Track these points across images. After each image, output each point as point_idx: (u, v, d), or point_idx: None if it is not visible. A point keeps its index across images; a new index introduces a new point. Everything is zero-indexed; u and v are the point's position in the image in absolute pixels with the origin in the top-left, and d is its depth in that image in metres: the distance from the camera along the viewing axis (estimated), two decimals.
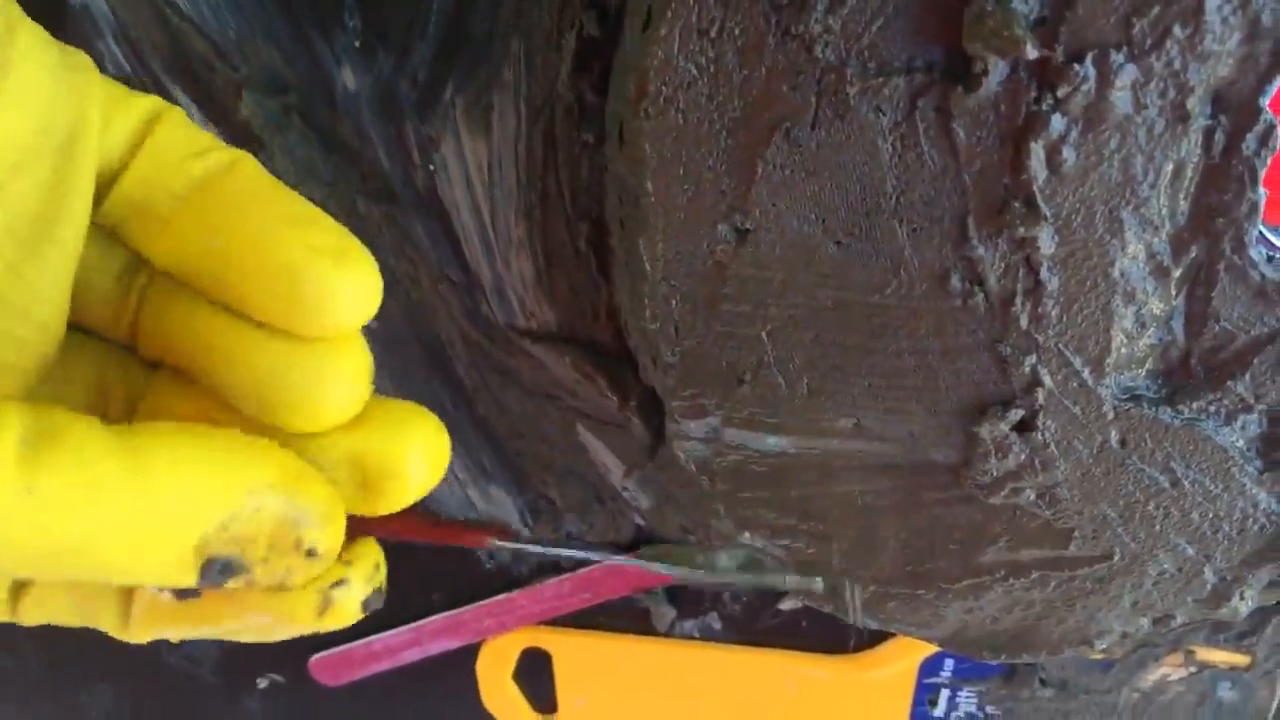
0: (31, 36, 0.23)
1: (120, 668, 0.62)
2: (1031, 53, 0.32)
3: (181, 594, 0.27)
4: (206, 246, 0.25)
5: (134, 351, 0.28)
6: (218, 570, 0.24)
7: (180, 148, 0.26)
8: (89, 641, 0.61)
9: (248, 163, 0.26)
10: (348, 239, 0.26)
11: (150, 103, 0.26)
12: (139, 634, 0.28)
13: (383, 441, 0.27)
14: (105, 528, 0.22)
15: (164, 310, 0.27)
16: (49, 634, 0.61)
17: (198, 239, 0.25)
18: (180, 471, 0.23)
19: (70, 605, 0.28)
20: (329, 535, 0.25)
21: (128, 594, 0.28)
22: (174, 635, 0.28)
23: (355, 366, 0.26)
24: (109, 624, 0.28)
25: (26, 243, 0.23)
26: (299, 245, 0.25)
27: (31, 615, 0.28)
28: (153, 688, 0.63)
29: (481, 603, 0.58)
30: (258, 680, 0.62)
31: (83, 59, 0.25)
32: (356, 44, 0.43)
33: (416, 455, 0.27)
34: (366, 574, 0.28)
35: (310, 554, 0.25)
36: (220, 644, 0.61)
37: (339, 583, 0.27)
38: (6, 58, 0.22)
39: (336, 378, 0.25)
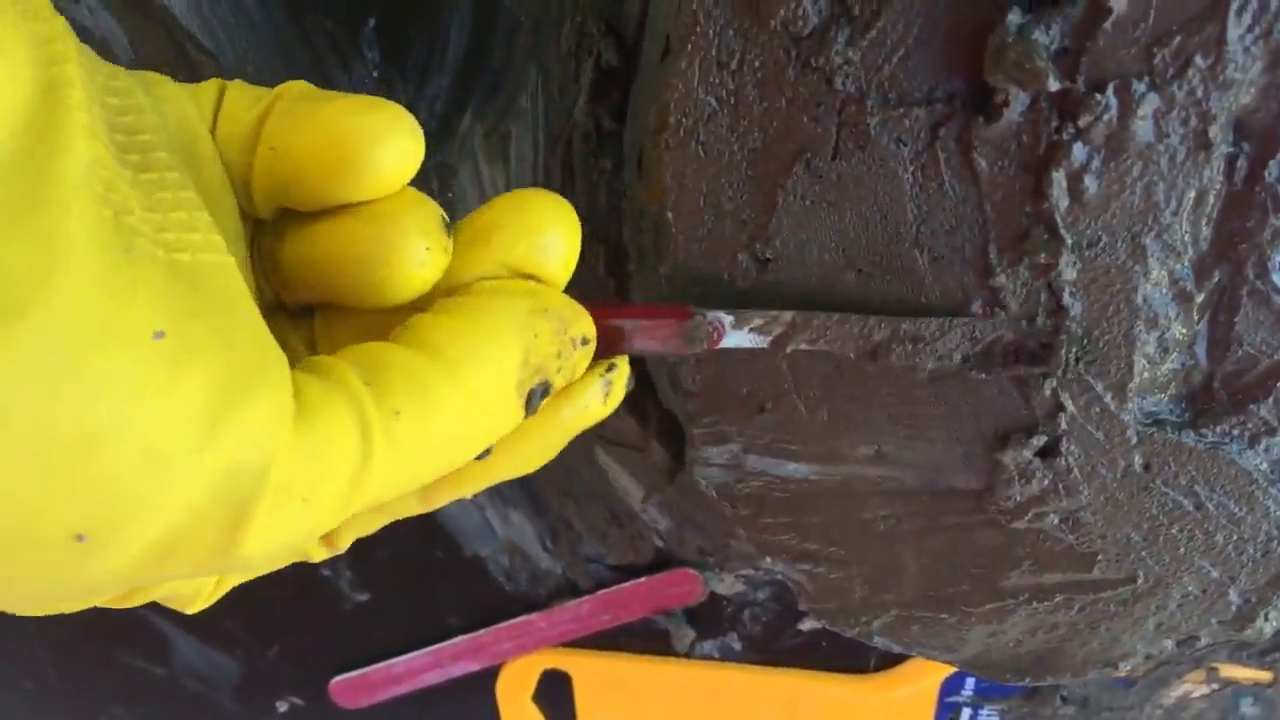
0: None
1: (139, 691, 0.62)
2: (1054, 85, 0.32)
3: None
4: (270, 163, 0.27)
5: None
6: (539, 396, 0.28)
7: (241, 104, 0.28)
8: (108, 666, 0.61)
9: (293, 85, 0.28)
10: (379, 100, 0.27)
11: (213, 85, 0.28)
12: (442, 500, 0.31)
13: (519, 232, 0.29)
14: (455, 429, 0.25)
15: (276, 249, 0.29)
16: (69, 658, 0.61)
17: (266, 161, 0.27)
18: (473, 348, 0.26)
19: (380, 514, 0.31)
20: (584, 318, 0.29)
21: None
22: (472, 489, 0.31)
23: (419, 218, 0.27)
24: (412, 508, 0.31)
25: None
26: (335, 115, 0.26)
27: (347, 541, 0.31)
28: (172, 712, 0.63)
29: (501, 625, 0.58)
30: (277, 704, 0.62)
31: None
32: (375, 75, 0.43)
33: (552, 231, 0.30)
34: (621, 361, 0.32)
35: (584, 342, 0.29)
36: (240, 667, 0.61)
37: (609, 368, 0.31)
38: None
39: (406, 230, 0.27)
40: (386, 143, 0.26)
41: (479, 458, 0.28)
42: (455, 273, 0.28)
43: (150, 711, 0.63)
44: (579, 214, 0.44)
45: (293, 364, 0.24)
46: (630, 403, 0.48)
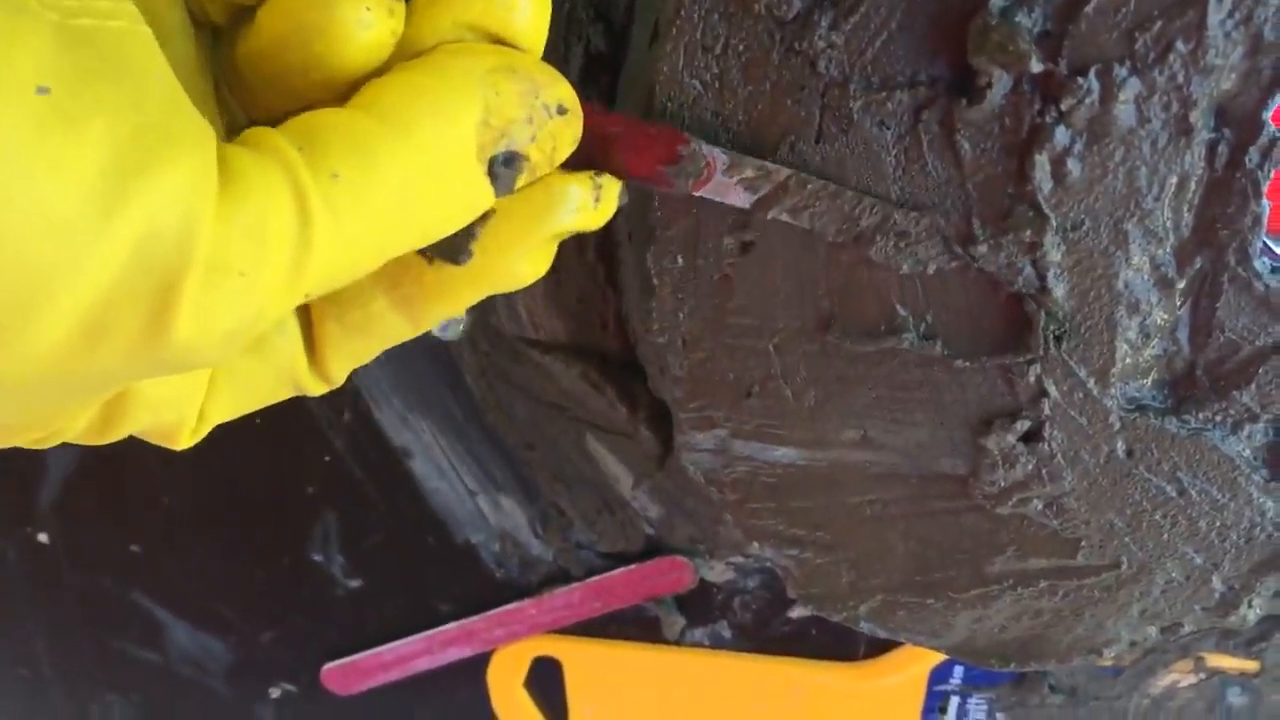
0: None
1: (131, 677, 0.63)
2: (1036, 67, 0.32)
3: (452, 250, 0.27)
4: None
5: None
6: (502, 163, 0.25)
7: None
8: (102, 652, 0.61)
9: None
10: None
11: None
12: (431, 317, 0.29)
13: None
14: (405, 194, 0.23)
15: (235, 59, 0.27)
16: (61, 643, 0.62)
17: None
18: (423, 105, 0.24)
19: (367, 337, 0.29)
20: (562, 86, 0.27)
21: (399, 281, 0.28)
22: (459, 301, 0.29)
23: None
24: (400, 329, 0.29)
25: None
26: None
27: (339, 370, 0.29)
28: (164, 698, 0.63)
29: (492, 612, 0.58)
30: (270, 690, 0.62)
31: None
32: None
33: None
34: (608, 177, 0.29)
35: (561, 110, 0.26)
36: (233, 653, 0.61)
37: (599, 172, 0.29)
38: None
39: None
40: None
41: (459, 261, 0.27)
42: (410, 40, 0.26)
43: (144, 698, 0.64)
44: None
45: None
46: (619, 389, 0.49)
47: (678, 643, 0.59)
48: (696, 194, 0.32)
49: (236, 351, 0.23)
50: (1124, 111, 0.33)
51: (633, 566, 0.56)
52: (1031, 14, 0.32)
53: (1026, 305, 0.37)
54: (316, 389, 0.29)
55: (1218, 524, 0.41)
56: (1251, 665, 0.54)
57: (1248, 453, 0.39)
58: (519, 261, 0.28)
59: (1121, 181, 0.34)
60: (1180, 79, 0.32)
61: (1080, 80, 0.32)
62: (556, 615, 0.58)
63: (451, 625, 0.59)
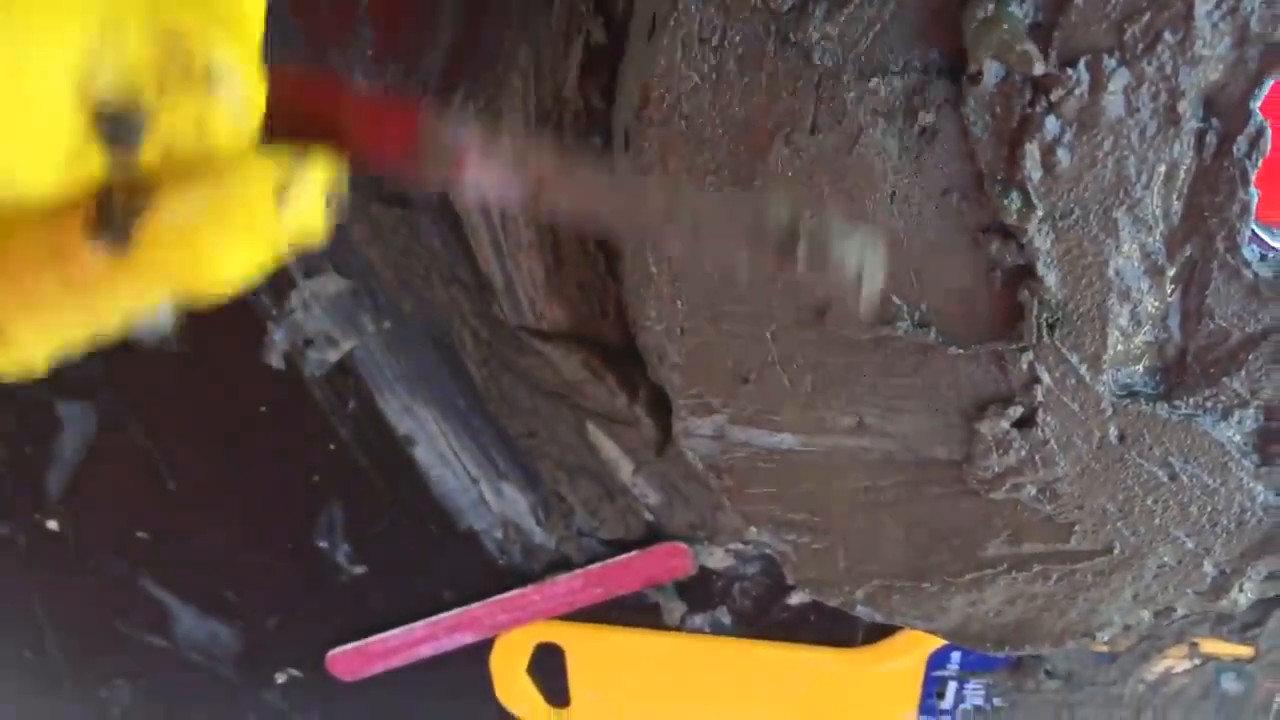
0: None
1: (140, 663, 0.63)
2: (1039, 69, 0.33)
3: (110, 231, 0.22)
4: None
5: None
6: (112, 123, 0.21)
7: None
8: (109, 638, 0.62)
9: None
10: None
11: None
12: (108, 311, 0.24)
13: None
14: None
15: None
16: (69, 629, 0.62)
17: None
18: (9, 26, 0.19)
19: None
20: (223, 45, 0.22)
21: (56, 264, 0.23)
22: (127, 294, 0.23)
23: None
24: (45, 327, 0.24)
25: None
26: None
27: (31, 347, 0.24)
28: (172, 683, 0.64)
29: (495, 598, 0.59)
30: (276, 675, 0.63)
31: None
32: (369, 53, 0.44)
33: None
34: (320, 164, 0.23)
35: (213, 76, 0.22)
36: (239, 639, 0.62)
37: (296, 169, 0.23)
38: None
39: None
40: None
41: (114, 244, 0.22)
42: None
43: (151, 683, 0.64)
44: None
45: None
46: (620, 377, 0.49)
47: (678, 629, 0.59)
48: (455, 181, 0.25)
49: None
50: (1113, 101, 0.34)
51: (633, 553, 0.57)
52: (1024, 4, 0.33)
53: (1019, 293, 0.37)
54: (5, 364, 0.24)
55: (1209, 509, 0.41)
56: (1245, 651, 0.55)
57: (1238, 438, 0.40)
58: (191, 256, 0.23)
59: (1110, 170, 0.35)
60: (1168, 69, 0.33)
61: (1070, 71, 0.33)
62: (558, 602, 0.59)
63: (455, 611, 0.59)
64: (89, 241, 0.22)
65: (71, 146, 0.21)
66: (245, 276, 0.23)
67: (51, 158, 0.21)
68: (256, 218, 0.23)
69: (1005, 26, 0.33)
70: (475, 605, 0.59)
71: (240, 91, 0.22)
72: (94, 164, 0.21)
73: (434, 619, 0.60)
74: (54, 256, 0.23)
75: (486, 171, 0.25)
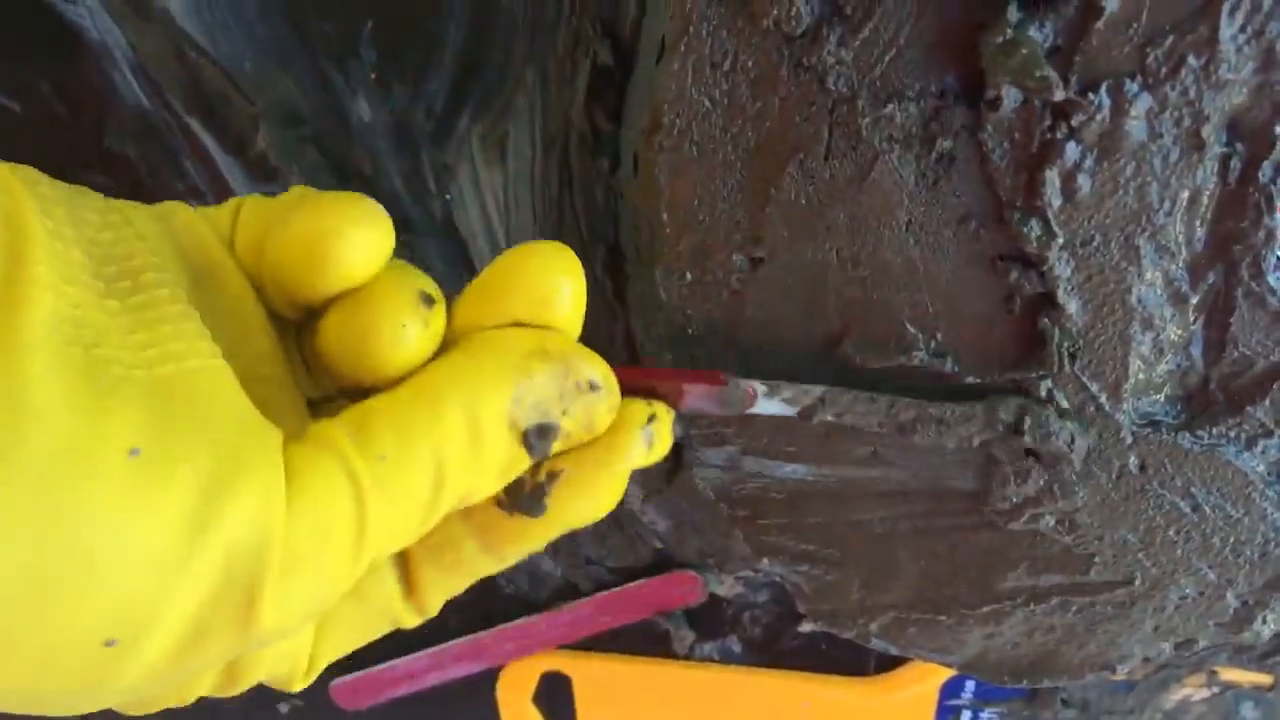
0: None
1: None
2: (1059, 95, 0.32)
3: (527, 505, 0.30)
4: (267, 269, 0.29)
5: None
6: (535, 435, 0.28)
7: (255, 215, 0.30)
8: None
9: (293, 191, 0.30)
10: (345, 195, 0.28)
11: (230, 205, 0.30)
12: (511, 556, 0.31)
13: (521, 286, 0.30)
14: (441, 464, 0.27)
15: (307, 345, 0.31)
16: None
17: (266, 268, 0.29)
18: (456, 385, 0.27)
19: (458, 575, 0.32)
20: (594, 363, 0.30)
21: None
22: (535, 542, 0.31)
23: (394, 299, 0.28)
24: (486, 565, 0.32)
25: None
26: (303, 218, 0.28)
27: (435, 602, 0.32)
28: (174, 712, 0.63)
29: (501, 626, 0.58)
30: (280, 705, 0.62)
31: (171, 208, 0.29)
32: (372, 76, 0.43)
33: (554, 282, 0.30)
34: (662, 411, 0.32)
35: (593, 386, 0.29)
36: None
37: (650, 419, 0.31)
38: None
39: (380, 312, 0.28)
40: (348, 237, 0.27)
41: (535, 514, 0.30)
42: (458, 330, 0.29)
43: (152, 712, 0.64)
44: (575, 215, 0.44)
45: None
46: None
47: (687, 657, 0.58)
48: (748, 411, 0.36)
49: (312, 617, 0.27)
50: (1135, 127, 0.33)
51: (642, 581, 0.56)
52: (1043, 28, 0.32)
53: (1039, 321, 0.36)
54: (414, 622, 0.33)
55: (1231, 540, 0.40)
56: (1265, 679, 0.54)
57: (1262, 468, 0.39)
58: (593, 505, 0.31)
59: (1132, 197, 0.34)
60: (1192, 94, 0.32)
61: (1091, 96, 0.32)
62: (565, 630, 0.58)
63: (460, 640, 0.58)
64: (510, 515, 0.30)
65: (509, 462, 0.28)
66: (615, 504, 0.31)
67: (496, 474, 0.28)
68: (633, 458, 0.31)
69: (1024, 51, 0.32)
70: (481, 634, 0.58)
71: (614, 392, 0.30)
72: (518, 471, 0.29)
73: (439, 648, 0.59)
74: (477, 530, 0.31)
75: (769, 403, 0.36)
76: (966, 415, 0.37)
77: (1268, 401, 0.37)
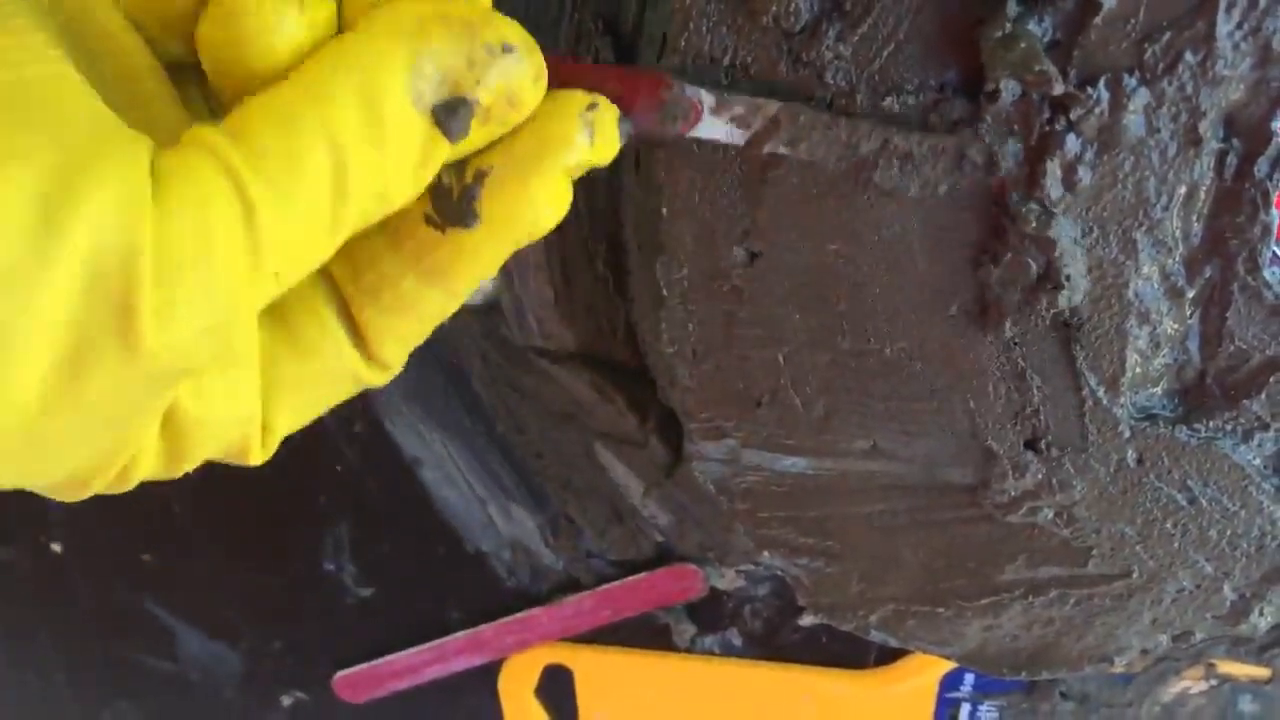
0: None
1: (143, 685, 0.63)
2: (1059, 89, 0.32)
3: (457, 214, 0.27)
4: None
5: None
6: (445, 111, 0.25)
7: None
8: (112, 659, 0.61)
9: None
10: None
11: None
12: (460, 283, 0.28)
13: None
14: (338, 154, 0.24)
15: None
16: (74, 651, 0.62)
17: None
18: (343, 64, 0.24)
19: (408, 316, 0.29)
20: (506, 24, 0.26)
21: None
22: (484, 263, 0.28)
23: None
24: (437, 302, 0.29)
25: None
26: None
27: (393, 354, 0.29)
28: (176, 706, 0.63)
29: (503, 620, 0.58)
30: (282, 698, 0.62)
31: None
32: None
33: None
34: (604, 103, 0.28)
35: (507, 49, 0.26)
36: (244, 661, 0.61)
37: (589, 107, 0.28)
38: None
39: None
40: None
41: (468, 224, 0.27)
42: (349, 21, 0.26)
43: (155, 705, 0.64)
44: (577, 209, 0.45)
45: None
46: (629, 398, 0.49)
47: (688, 650, 0.59)
48: (688, 135, 0.32)
49: (231, 346, 0.24)
50: (1133, 121, 0.33)
51: (643, 575, 0.56)
52: (1042, 23, 0.32)
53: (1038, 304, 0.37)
54: (377, 378, 0.30)
55: (1228, 532, 0.41)
56: (1263, 672, 0.54)
57: (1258, 461, 0.39)
58: (531, 209, 0.28)
59: (1130, 191, 0.34)
60: (1189, 89, 0.32)
61: (1090, 90, 0.32)
62: (567, 623, 0.58)
63: (462, 633, 0.59)
64: (443, 230, 0.27)
65: (422, 149, 0.25)
66: (561, 214, 0.28)
67: (410, 165, 0.25)
68: (571, 150, 0.27)
69: (1023, 45, 0.32)
70: (483, 627, 0.59)
71: (534, 55, 0.26)
72: (437, 161, 0.25)
73: (441, 641, 0.59)
74: (411, 258, 0.28)
75: (717, 124, 0.32)
76: (935, 151, 0.34)
77: (1264, 395, 0.38)
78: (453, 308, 0.29)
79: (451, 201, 0.27)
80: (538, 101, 0.27)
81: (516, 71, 0.26)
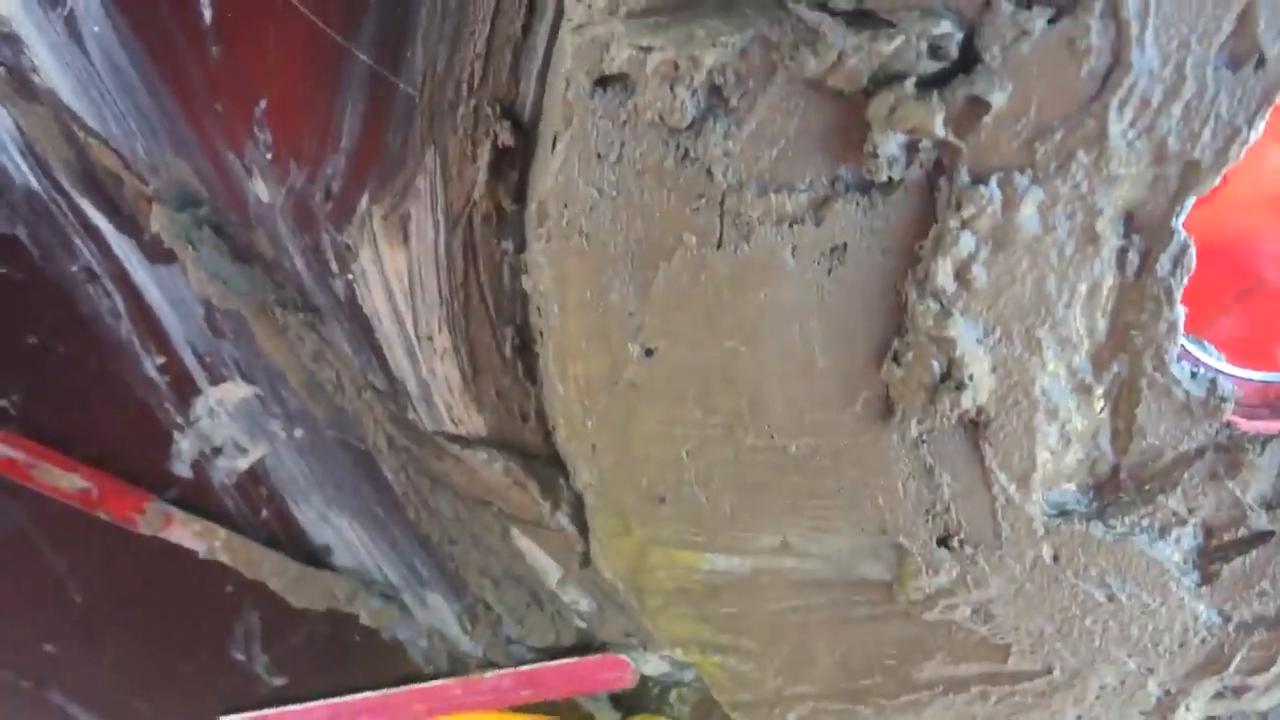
0: None
1: None
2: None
3: None
4: None
5: None
6: None
7: None
8: None
9: None
10: None
11: None
12: None
13: None
14: None
15: None
16: None
17: None
18: None
19: None
20: None
21: None
22: None
23: None
24: None
25: None
26: None
27: None
28: None
29: (414, 686, 0.56)
30: None
31: None
32: (268, 156, 0.42)
33: None
34: None
35: None
36: None
37: None
38: None
39: None
40: None
41: None
42: None
43: None
44: (482, 295, 0.43)
45: None
46: (541, 485, 0.47)
47: None
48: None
49: None
50: (1028, 219, 0.32)
51: (571, 660, 0.54)
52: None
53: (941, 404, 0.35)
54: None
55: (1150, 629, 0.39)
56: None
57: (1177, 557, 0.38)
58: None
59: (1030, 289, 0.33)
60: (1084, 188, 0.31)
61: (982, 189, 0.31)
62: (483, 699, 0.56)
63: (365, 695, 0.56)
64: None
65: None
66: None
67: None
68: None
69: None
70: (390, 691, 0.56)
71: None
72: None
73: (339, 700, 0.56)
74: None
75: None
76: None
77: (1178, 490, 0.37)
78: None
79: None
80: None
81: None
